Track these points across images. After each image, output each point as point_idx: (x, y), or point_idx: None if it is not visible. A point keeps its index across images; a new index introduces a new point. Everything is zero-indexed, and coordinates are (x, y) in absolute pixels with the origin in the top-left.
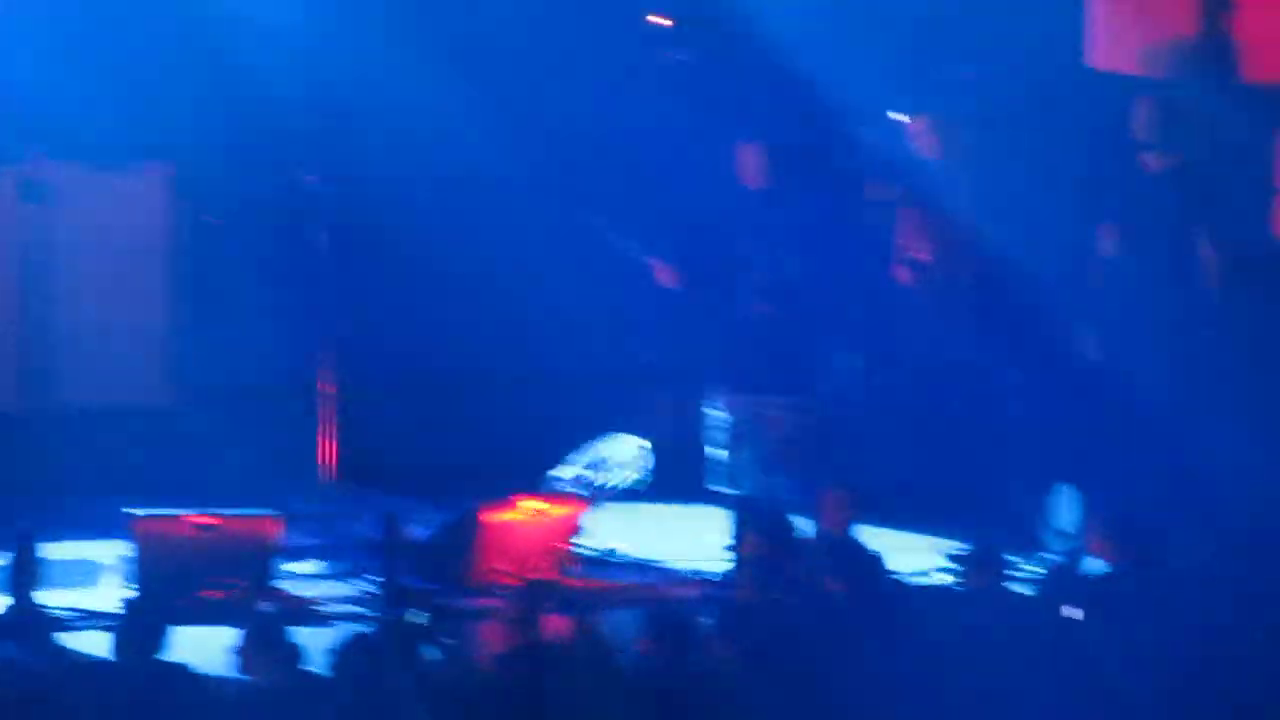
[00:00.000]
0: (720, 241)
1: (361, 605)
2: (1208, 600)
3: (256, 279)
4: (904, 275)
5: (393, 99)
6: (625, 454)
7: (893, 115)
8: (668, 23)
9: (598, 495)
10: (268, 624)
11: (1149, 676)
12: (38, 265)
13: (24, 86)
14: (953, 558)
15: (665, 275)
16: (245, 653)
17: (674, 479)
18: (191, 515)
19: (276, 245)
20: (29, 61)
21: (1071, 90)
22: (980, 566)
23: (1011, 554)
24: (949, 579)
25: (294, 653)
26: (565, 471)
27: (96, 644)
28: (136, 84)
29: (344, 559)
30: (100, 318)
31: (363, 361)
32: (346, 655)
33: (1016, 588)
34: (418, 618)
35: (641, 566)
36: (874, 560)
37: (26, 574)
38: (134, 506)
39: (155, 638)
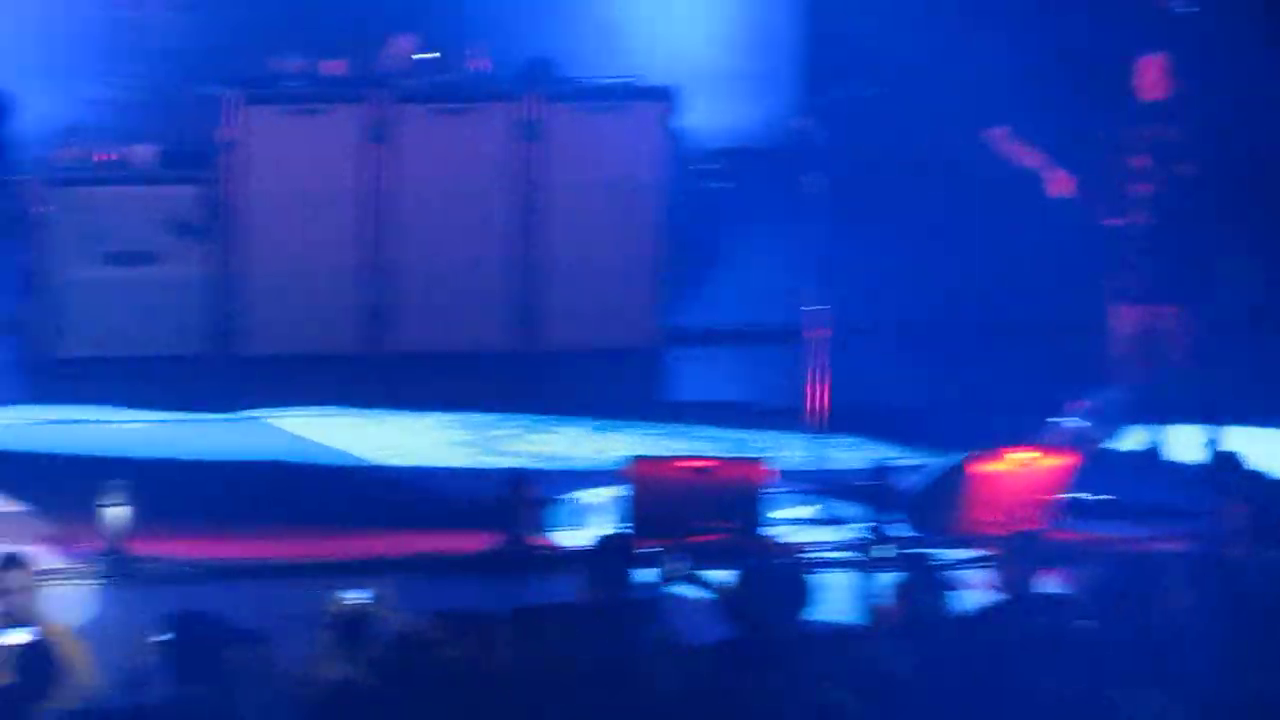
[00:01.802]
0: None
1: (850, 552)
2: None
3: (745, 220)
4: None
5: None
6: (1117, 402)
7: None
8: None
9: (1090, 445)
10: (760, 569)
11: None
12: (532, 203)
13: (519, 26)
14: None
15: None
16: (734, 596)
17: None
18: (687, 458)
19: (766, 186)
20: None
21: None
22: None
23: None
24: None
25: (789, 598)
26: (1056, 420)
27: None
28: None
29: (832, 506)
30: (589, 257)
31: (852, 306)
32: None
33: None
34: (903, 564)
35: (1131, 517)
36: None
37: (520, 512)
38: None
39: (627, 575)
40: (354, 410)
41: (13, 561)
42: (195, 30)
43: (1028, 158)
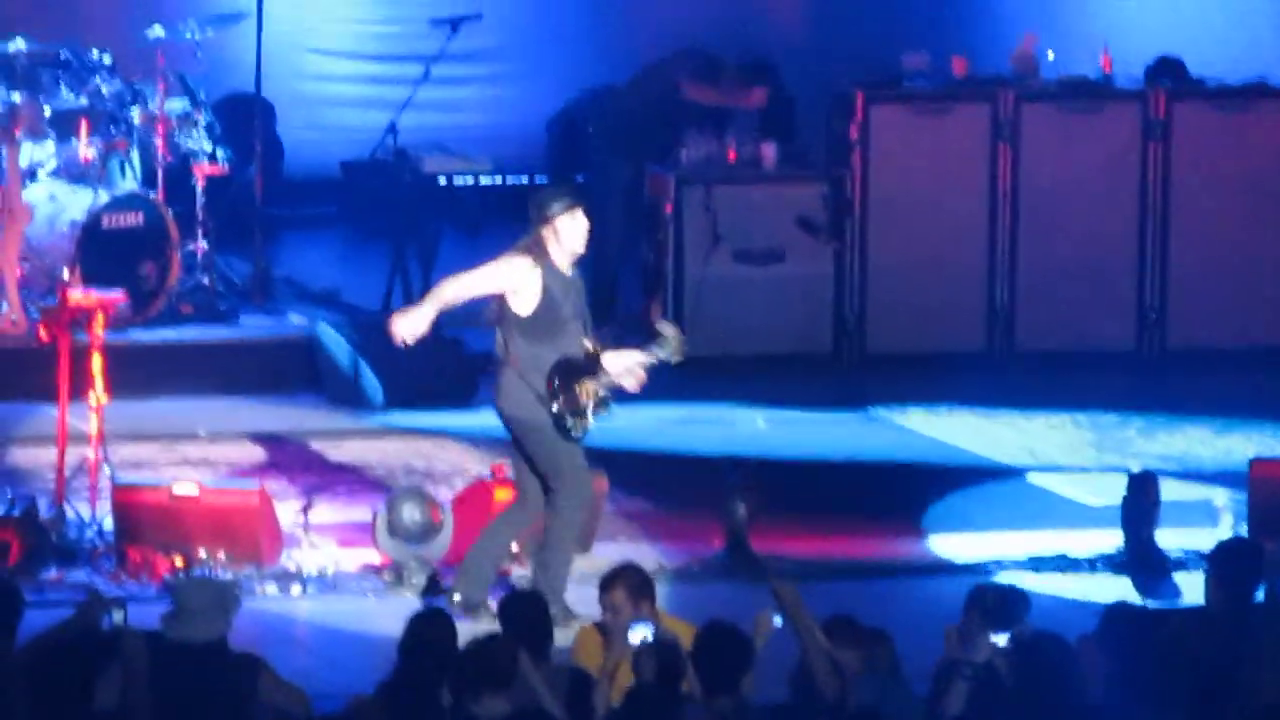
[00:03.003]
0: None
1: None
2: None
3: None
4: None
5: None
6: None
7: None
8: None
9: None
10: None
11: None
12: (1156, 202)
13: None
14: None
15: None
16: None
17: None
18: None
19: None
20: None
21: None
22: None
23: None
24: None
25: None
26: None
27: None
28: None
29: None
30: (1217, 255)
31: None
32: None
33: None
34: None
35: None
36: None
37: (1143, 512)
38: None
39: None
40: (975, 408)
41: (631, 566)
42: (822, 30)
43: None
